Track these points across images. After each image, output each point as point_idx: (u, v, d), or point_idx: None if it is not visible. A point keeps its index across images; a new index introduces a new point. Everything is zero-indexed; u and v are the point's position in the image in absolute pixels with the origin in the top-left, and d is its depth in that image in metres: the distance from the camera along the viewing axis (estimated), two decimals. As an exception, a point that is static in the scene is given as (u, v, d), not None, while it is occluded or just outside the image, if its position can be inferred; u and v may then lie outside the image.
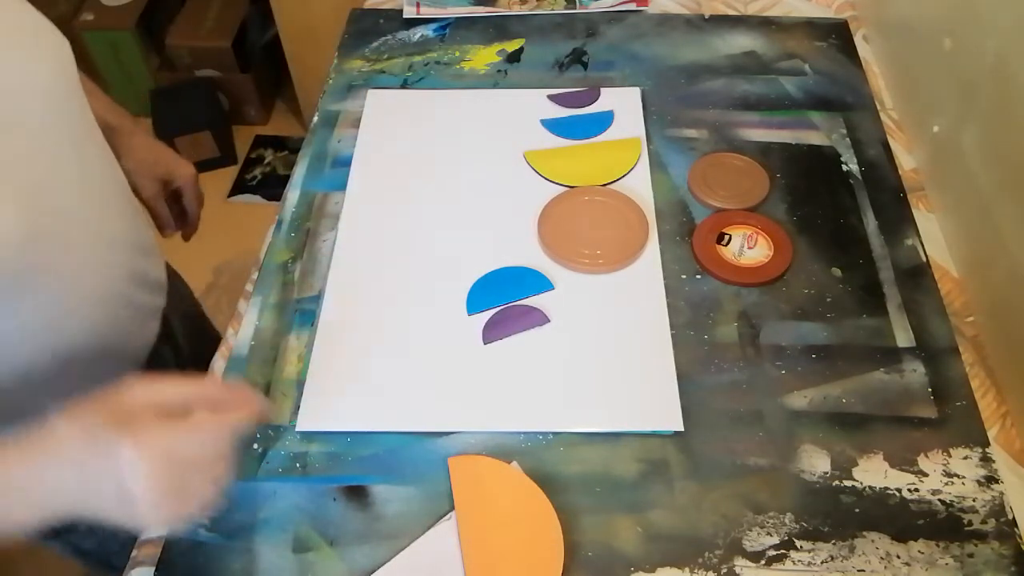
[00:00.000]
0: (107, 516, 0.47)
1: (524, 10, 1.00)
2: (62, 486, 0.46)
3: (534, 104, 0.89)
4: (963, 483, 0.62)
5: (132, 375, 0.49)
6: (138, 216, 0.73)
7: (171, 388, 0.49)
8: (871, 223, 0.78)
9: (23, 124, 0.56)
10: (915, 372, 0.68)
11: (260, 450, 0.64)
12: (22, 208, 0.54)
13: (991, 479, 0.62)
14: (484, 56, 0.95)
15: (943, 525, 0.60)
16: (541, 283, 0.73)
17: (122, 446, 0.45)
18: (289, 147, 2.07)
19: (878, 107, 0.89)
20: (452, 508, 0.60)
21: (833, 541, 0.59)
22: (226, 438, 0.49)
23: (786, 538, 0.59)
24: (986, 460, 0.63)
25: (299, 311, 0.72)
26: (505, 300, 0.72)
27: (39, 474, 0.46)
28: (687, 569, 0.58)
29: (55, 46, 0.61)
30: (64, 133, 0.61)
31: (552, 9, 1.01)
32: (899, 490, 0.61)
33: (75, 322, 0.62)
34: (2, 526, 0.46)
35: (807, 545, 0.59)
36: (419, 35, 0.98)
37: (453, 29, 0.99)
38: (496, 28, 0.99)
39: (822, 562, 0.58)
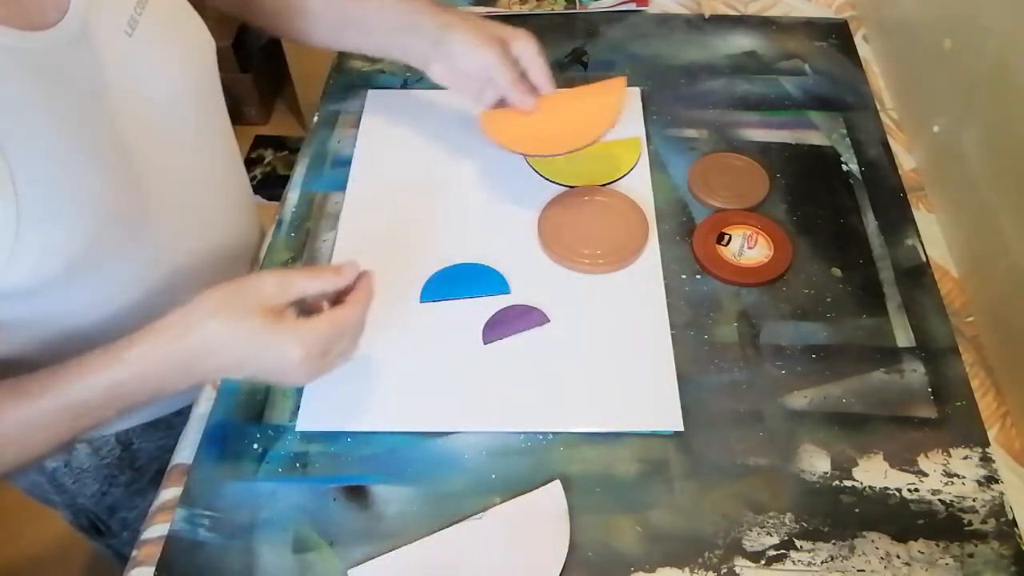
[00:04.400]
0: (256, 380, 0.63)
1: (524, 10, 1.00)
2: (217, 368, 0.56)
3: (534, 104, 0.89)
4: (963, 483, 0.62)
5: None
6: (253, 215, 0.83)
7: (303, 283, 0.57)
8: (871, 223, 0.78)
9: (172, 129, 0.65)
10: (915, 372, 0.68)
11: (260, 450, 0.64)
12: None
13: (991, 479, 0.62)
14: (484, 56, 0.95)
15: (943, 525, 0.60)
16: (498, 284, 0.73)
17: (286, 347, 0.54)
18: (289, 147, 2.07)
19: (878, 107, 0.89)
20: (459, 512, 0.60)
21: (833, 541, 0.59)
22: (360, 324, 0.60)
23: (786, 538, 0.59)
24: (986, 460, 0.63)
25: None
26: (460, 294, 0.72)
27: (201, 362, 0.55)
28: (687, 569, 0.58)
29: (204, 45, 0.69)
30: (203, 135, 0.70)
31: (552, 9, 1.01)
32: (899, 490, 0.61)
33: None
34: (161, 394, 0.56)
35: (807, 545, 0.59)
36: (419, 35, 0.98)
37: (453, 29, 0.99)
38: (496, 28, 0.98)
39: (822, 562, 0.58)
